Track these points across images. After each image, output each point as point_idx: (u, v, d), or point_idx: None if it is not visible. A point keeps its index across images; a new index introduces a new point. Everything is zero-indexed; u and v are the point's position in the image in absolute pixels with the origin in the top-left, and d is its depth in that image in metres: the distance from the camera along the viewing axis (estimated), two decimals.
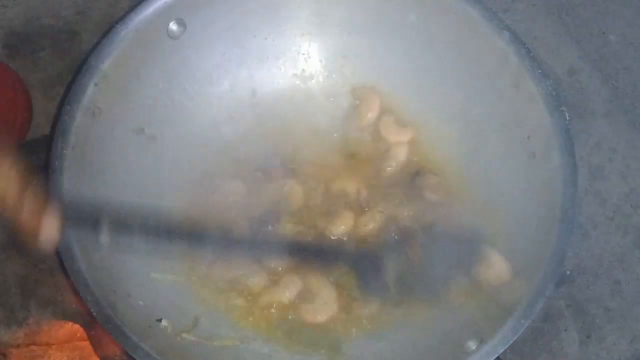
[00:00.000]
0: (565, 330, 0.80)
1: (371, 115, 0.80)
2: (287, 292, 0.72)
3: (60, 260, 0.63)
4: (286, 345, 0.70)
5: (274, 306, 0.72)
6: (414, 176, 0.78)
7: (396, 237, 0.73)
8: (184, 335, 0.67)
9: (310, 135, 0.81)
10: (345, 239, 0.74)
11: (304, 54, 0.82)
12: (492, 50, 0.72)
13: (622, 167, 0.87)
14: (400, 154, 0.79)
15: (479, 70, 0.74)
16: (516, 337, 0.61)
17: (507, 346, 0.61)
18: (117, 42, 0.70)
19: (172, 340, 0.66)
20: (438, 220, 0.74)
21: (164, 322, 0.67)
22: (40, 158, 0.79)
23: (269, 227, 0.74)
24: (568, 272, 0.82)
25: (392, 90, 0.81)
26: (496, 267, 0.69)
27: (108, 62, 0.70)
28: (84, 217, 0.64)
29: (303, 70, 0.83)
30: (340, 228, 0.74)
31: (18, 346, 0.74)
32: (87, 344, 0.74)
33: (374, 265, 0.70)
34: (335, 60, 0.82)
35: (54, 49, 0.91)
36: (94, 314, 0.61)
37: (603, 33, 0.94)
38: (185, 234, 0.66)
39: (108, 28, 0.72)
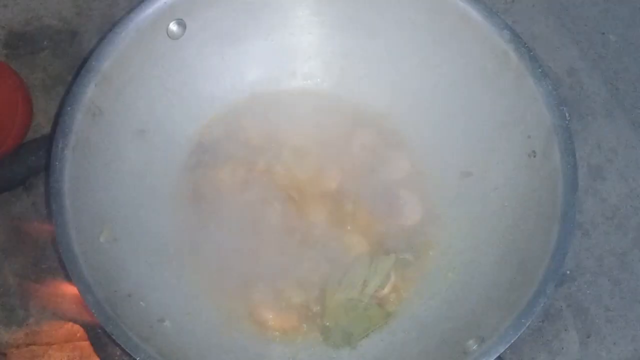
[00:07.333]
0: (565, 330, 0.80)
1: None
2: None
3: (61, 260, 0.63)
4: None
5: None
6: None
7: None
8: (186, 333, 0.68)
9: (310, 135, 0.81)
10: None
11: (304, 53, 0.82)
12: (492, 49, 0.72)
13: (622, 167, 0.87)
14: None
15: (479, 69, 0.74)
16: (516, 337, 0.61)
17: (507, 346, 0.61)
18: (117, 42, 0.70)
19: (173, 340, 0.66)
20: None
21: (166, 323, 0.66)
22: (40, 158, 0.79)
23: None
24: (568, 272, 0.82)
25: (392, 90, 0.81)
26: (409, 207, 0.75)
27: (108, 62, 0.69)
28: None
29: (303, 70, 0.83)
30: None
31: (18, 346, 0.74)
32: (87, 344, 0.74)
33: None
34: (336, 60, 0.82)
35: (54, 49, 0.91)
36: (95, 314, 0.61)
37: (603, 33, 0.94)
38: None
39: (108, 28, 0.72)
